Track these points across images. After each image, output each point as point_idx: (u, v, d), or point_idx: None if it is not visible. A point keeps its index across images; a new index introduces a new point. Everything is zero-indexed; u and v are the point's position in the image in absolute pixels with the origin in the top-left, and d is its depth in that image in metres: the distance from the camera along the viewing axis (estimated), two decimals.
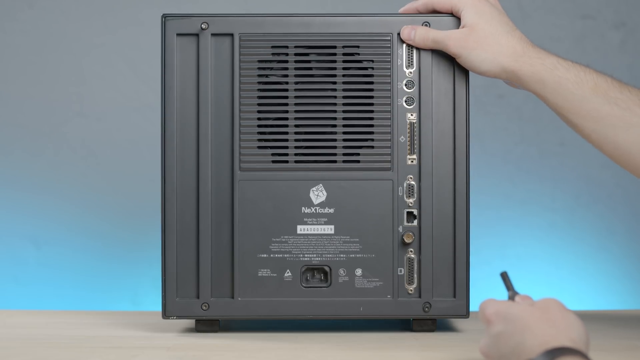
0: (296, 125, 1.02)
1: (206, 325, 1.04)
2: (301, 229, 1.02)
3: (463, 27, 1.00)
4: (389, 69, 1.02)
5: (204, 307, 1.02)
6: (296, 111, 1.02)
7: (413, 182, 1.02)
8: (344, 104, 1.02)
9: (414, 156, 1.02)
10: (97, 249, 1.70)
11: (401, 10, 1.04)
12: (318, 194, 1.02)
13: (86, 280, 1.70)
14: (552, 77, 0.98)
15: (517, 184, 1.70)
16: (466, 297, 1.02)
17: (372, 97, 1.02)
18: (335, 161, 1.02)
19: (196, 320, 1.04)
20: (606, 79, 0.98)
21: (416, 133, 1.02)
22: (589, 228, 1.71)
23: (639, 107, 0.97)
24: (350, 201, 1.02)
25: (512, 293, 0.82)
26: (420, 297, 1.02)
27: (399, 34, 1.02)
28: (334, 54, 1.02)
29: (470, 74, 1.02)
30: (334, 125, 1.02)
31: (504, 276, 0.85)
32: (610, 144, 0.98)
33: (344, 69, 1.02)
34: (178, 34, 1.02)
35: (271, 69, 1.02)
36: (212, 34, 1.02)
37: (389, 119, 1.02)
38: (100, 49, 1.70)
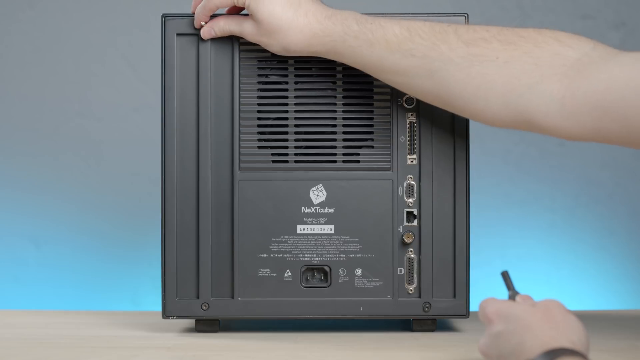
0: (296, 125, 1.02)
1: (206, 325, 1.04)
2: (301, 228, 1.02)
3: (253, 18, 1.00)
4: None
5: (204, 307, 1.02)
6: (296, 111, 1.02)
7: (413, 182, 1.02)
8: (344, 104, 1.02)
9: (414, 156, 1.02)
10: (97, 249, 1.70)
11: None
12: (318, 194, 1.02)
13: (86, 280, 1.70)
14: (345, 47, 0.98)
15: (517, 184, 1.70)
16: (466, 297, 1.02)
17: (372, 97, 1.02)
18: (335, 161, 1.02)
19: (196, 320, 1.04)
20: (395, 32, 0.97)
21: (416, 133, 1.02)
22: (589, 228, 1.71)
23: (433, 51, 0.95)
24: (350, 201, 1.02)
25: (513, 293, 0.82)
26: (420, 297, 1.02)
27: None
28: None
29: None
30: (334, 125, 1.02)
31: (505, 276, 0.85)
32: (418, 92, 0.98)
33: (344, 69, 1.02)
34: (178, 34, 1.02)
35: (271, 69, 1.02)
36: None
37: (389, 119, 1.02)
38: (100, 48, 1.70)
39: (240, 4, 0.99)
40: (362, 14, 0.99)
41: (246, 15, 1.00)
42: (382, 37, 0.97)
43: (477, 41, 0.95)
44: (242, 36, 1.01)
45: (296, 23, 0.98)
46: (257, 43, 1.00)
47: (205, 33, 1.01)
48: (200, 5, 1.01)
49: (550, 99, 0.90)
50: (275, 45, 0.99)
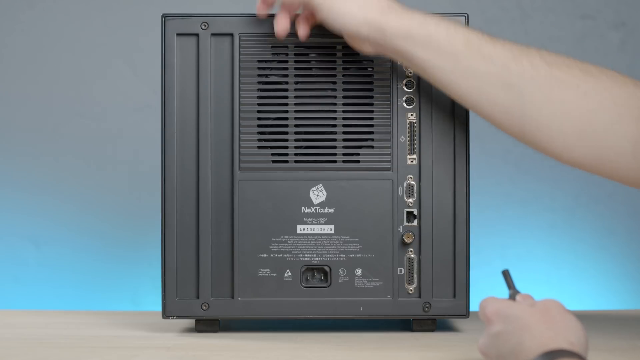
0: (296, 125, 1.02)
1: (206, 325, 1.04)
2: (301, 228, 1.02)
3: (315, 11, 0.96)
4: (389, 68, 1.02)
5: (204, 307, 1.02)
6: (296, 111, 1.02)
7: (413, 182, 1.02)
8: (344, 104, 1.02)
9: (414, 156, 1.02)
10: (97, 249, 1.70)
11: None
12: (318, 194, 1.02)
13: (86, 280, 1.70)
14: (422, 32, 0.93)
15: (517, 183, 1.70)
16: (466, 297, 1.02)
17: (372, 97, 1.02)
18: (335, 161, 1.02)
19: (196, 320, 1.04)
20: (477, 34, 0.94)
21: (416, 133, 1.02)
22: (589, 228, 1.71)
23: (514, 63, 0.92)
24: (350, 201, 1.02)
25: (513, 292, 0.82)
26: (420, 297, 1.02)
27: None
28: (334, 54, 1.02)
29: None
30: (334, 125, 1.02)
31: (506, 274, 0.84)
32: (489, 103, 0.94)
33: (344, 69, 1.02)
34: (178, 34, 1.02)
35: (271, 69, 1.02)
36: (212, 34, 1.02)
37: (389, 119, 1.02)
38: (100, 48, 1.70)
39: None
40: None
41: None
42: (464, 34, 0.93)
43: (559, 65, 0.92)
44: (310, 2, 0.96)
45: None
46: (319, 7, 0.95)
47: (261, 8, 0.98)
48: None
49: (625, 140, 0.89)
50: (341, 6, 0.93)
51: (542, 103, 0.91)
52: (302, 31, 0.99)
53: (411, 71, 1.01)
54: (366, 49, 0.97)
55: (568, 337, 0.73)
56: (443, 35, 0.93)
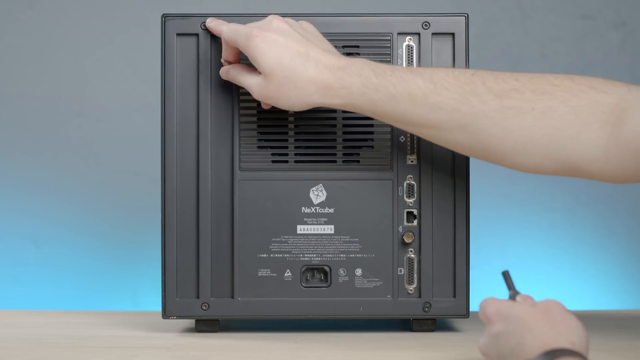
0: (296, 125, 1.02)
1: (206, 325, 1.04)
2: (301, 228, 1.02)
3: (260, 72, 0.95)
4: None
5: (204, 307, 1.02)
6: (296, 111, 1.02)
7: (413, 182, 1.02)
8: None
9: (414, 156, 1.02)
10: (97, 249, 1.70)
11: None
12: (318, 194, 1.02)
13: (86, 280, 1.70)
14: (363, 101, 0.94)
15: (517, 183, 1.70)
16: (466, 297, 1.02)
17: None
18: (335, 161, 1.02)
19: (196, 320, 1.04)
20: (418, 85, 0.93)
21: None
22: (589, 228, 1.71)
23: (463, 105, 0.92)
24: (350, 201, 1.02)
25: (514, 292, 0.82)
26: (420, 297, 1.02)
27: (399, 33, 1.02)
28: None
29: None
30: (334, 125, 1.02)
31: (506, 275, 0.84)
32: (450, 145, 0.95)
33: None
34: (178, 34, 1.02)
35: None
36: (212, 34, 1.02)
37: None
38: (100, 48, 1.70)
39: (247, 53, 0.95)
40: (375, 61, 0.95)
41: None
42: (405, 90, 0.93)
43: (508, 92, 0.91)
44: (248, 90, 0.97)
45: (307, 73, 0.94)
46: (264, 100, 0.97)
47: (222, 72, 1.00)
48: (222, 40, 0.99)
49: (595, 147, 0.89)
50: (284, 99, 0.95)
51: (501, 135, 0.92)
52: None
53: None
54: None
55: (569, 336, 0.73)
56: (385, 102, 0.93)
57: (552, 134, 0.90)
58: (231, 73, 0.99)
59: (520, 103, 0.91)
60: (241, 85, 0.99)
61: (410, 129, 0.95)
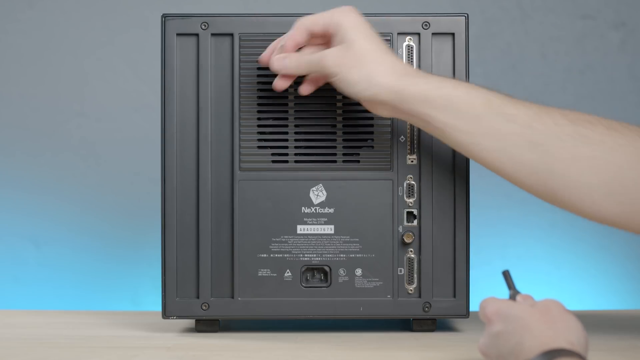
0: (296, 125, 1.02)
1: (206, 325, 1.04)
2: (301, 228, 1.02)
3: (340, 44, 0.93)
4: None
5: (204, 307, 1.02)
6: (296, 111, 1.02)
7: (413, 182, 1.02)
8: (344, 104, 1.02)
9: (414, 156, 1.02)
10: (97, 249, 1.70)
11: (280, 45, 0.97)
12: (318, 194, 1.02)
13: (86, 280, 1.70)
14: (440, 95, 0.92)
15: None
16: (466, 297, 1.02)
17: None
18: (335, 161, 1.02)
19: (196, 320, 1.04)
20: (498, 95, 0.92)
21: (416, 133, 1.02)
22: (589, 228, 1.71)
23: (538, 122, 0.91)
24: (350, 201, 1.02)
25: (514, 292, 0.82)
26: (420, 297, 1.02)
27: (399, 33, 1.02)
28: None
29: (471, 74, 1.02)
30: (334, 125, 1.02)
31: (506, 275, 0.84)
32: (513, 163, 0.92)
33: None
34: (178, 34, 1.02)
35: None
36: (212, 34, 1.02)
37: (389, 118, 1.02)
38: (100, 49, 1.70)
39: (332, 28, 0.93)
40: None
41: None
42: (484, 94, 0.92)
43: (582, 121, 0.90)
44: (319, 67, 0.94)
45: (391, 56, 0.93)
46: (333, 75, 0.93)
47: (276, 62, 0.95)
48: (278, 48, 0.96)
49: None
50: (356, 74, 0.92)
51: (569, 160, 0.90)
52: (307, 90, 0.99)
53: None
54: (383, 112, 0.95)
55: (568, 337, 0.73)
56: (463, 98, 0.92)
57: (617, 172, 0.89)
58: (293, 57, 0.95)
59: (592, 134, 0.90)
60: (306, 63, 0.95)
61: (471, 137, 0.92)
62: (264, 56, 0.99)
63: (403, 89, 0.93)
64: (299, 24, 0.96)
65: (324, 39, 0.96)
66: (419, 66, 1.01)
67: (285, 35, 0.97)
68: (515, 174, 0.93)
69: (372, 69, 0.93)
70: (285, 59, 0.96)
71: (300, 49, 0.97)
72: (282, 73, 0.97)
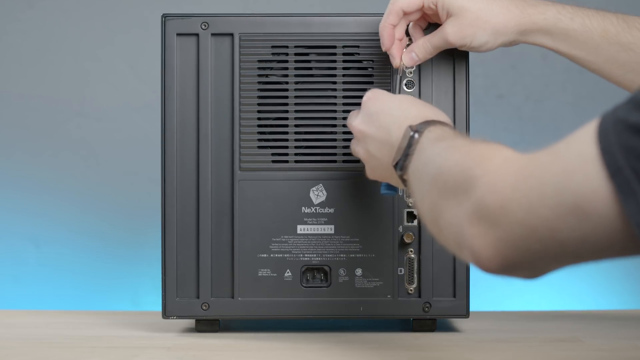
0: (296, 125, 1.02)
1: (206, 325, 1.04)
2: (301, 228, 1.02)
3: (450, 16, 0.96)
4: (389, 69, 1.02)
5: (204, 307, 1.02)
6: (296, 111, 1.02)
7: None
8: (344, 104, 1.02)
9: None
10: (97, 249, 1.70)
11: (380, 29, 0.97)
12: (318, 194, 1.02)
13: (86, 280, 1.70)
14: (558, 30, 0.95)
15: None
16: (466, 297, 1.02)
17: None
18: (335, 161, 1.02)
19: (196, 320, 1.04)
20: (612, 21, 0.94)
21: None
22: None
23: None
24: (350, 201, 1.02)
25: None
26: (420, 297, 1.02)
27: None
28: (334, 54, 1.02)
29: (471, 74, 1.02)
30: (334, 125, 1.02)
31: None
32: (635, 87, 0.94)
33: (344, 68, 1.02)
34: (178, 34, 1.02)
35: (271, 68, 1.02)
36: (212, 34, 1.02)
37: None
38: (100, 49, 1.70)
39: (432, 3, 0.95)
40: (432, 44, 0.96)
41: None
42: (599, 24, 0.94)
43: None
44: (445, 44, 0.96)
45: (500, 2, 0.95)
46: (461, 44, 0.95)
47: (409, 61, 0.98)
48: (387, 34, 0.96)
49: None
50: (483, 36, 0.94)
51: None
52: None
53: (411, 71, 1.01)
54: (498, 46, 0.98)
55: (443, 116, 0.81)
56: (579, 31, 0.95)
57: None
58: (420, 43, 0.97)
59: None
60: (436, 48, 0.96)
61: (595, 66, 0.95)
62: (385, 44, 0.97)
63: (525, 29, 0.95)
64: (392, 5, 0.96)
65: (418, 14, 0.97)
66: (419, 66, 1.01)
67: (382, 21, 0.97)
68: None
69: (493, 24, 0.95)
70: (411, 52, 0.98)
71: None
72: (415, 65, 0.99)
